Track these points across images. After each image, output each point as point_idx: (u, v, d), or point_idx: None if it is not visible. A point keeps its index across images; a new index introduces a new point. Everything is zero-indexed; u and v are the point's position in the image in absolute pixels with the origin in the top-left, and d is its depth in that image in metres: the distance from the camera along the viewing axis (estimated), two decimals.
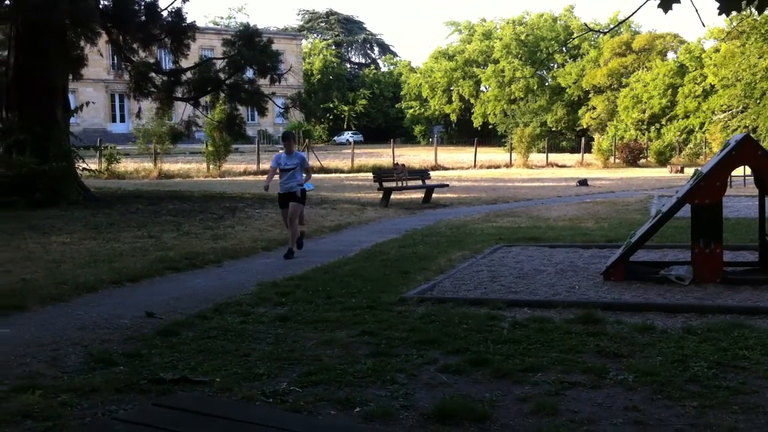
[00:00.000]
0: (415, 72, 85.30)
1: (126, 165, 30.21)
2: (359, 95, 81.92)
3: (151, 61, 21.44)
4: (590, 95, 67.45)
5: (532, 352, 5.89)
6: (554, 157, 46.19)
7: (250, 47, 21.49)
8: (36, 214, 15.52)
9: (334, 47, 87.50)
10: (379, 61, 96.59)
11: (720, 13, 7.18)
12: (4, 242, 12.06)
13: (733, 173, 11.61)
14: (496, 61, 75.66)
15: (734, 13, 7.21)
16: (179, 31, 21.11)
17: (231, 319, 7.23)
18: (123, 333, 6.81)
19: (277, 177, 11.85)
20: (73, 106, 21.37)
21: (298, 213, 11.39)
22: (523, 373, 5.40)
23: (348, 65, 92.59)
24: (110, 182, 26.00)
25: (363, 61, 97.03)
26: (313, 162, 35.08)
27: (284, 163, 11.35)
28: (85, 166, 20.13)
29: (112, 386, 5.24)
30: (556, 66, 75.92)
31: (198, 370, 5.63)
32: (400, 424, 4.52)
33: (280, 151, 12.08)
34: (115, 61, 28.34)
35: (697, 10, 7.45)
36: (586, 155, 45.21)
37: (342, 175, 32.79)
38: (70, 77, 20.12)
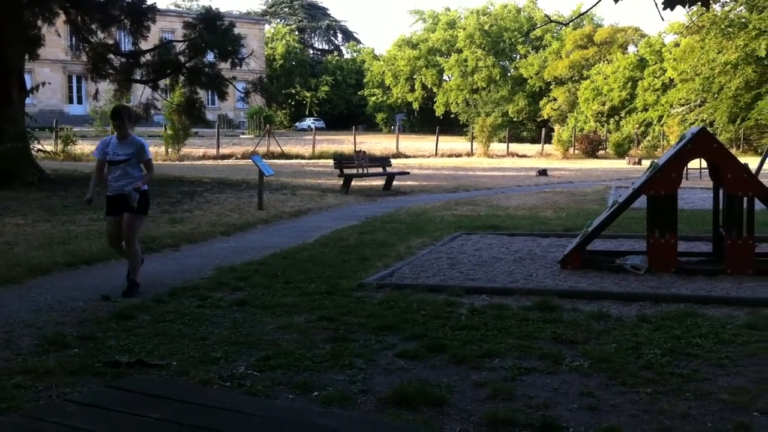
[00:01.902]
0: (379, 60, 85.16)
1: (83, 147, 29.71)
2: (322, 81, 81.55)
3: (110, 42, 21.09)
4: (552, 86, 68.03)
5: (490, 339, 5.93)
6: (515, 147, 46.51)
7: (212, 31, 21.27)
8: None
9: (297, 33, 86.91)
10: (342, 47, 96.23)
11: (665, 8, 7.28)
12: None
13: (689, 165, 11.79)
14: (460, 51, 75.87)
15: (694, 8, 7.32)
16: (139, 12, 20.80)
17: (188, 303, 7.17)
18: (78, 316, 6.71)
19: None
20: (29, 87, 20.96)
21: (137, 231, 8.03)
22: (480, 359, 5.43)
23: (311, 51, 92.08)
24: (66, 164, 25.55)
25: (326, 47, 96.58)
26: (273, 147, 34.93)
27: (113, 153, 7.85)
28: (40, 147, 19.81)
29: (67, 369, 5.17)
30: (518, 57, 76.37)
31: (154, 353, 5.58)
32: (358, 408, 4.53)
33: (110, 135, 8.58)
34: (74, 42, 27.79)
35: (656, 4, 7.55)
36: (547, 146, 45.59)
37: (303, 161, 32.66)
38: (27, 57, 19.71)
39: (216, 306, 7.09)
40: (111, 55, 20.78)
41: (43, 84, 21.39)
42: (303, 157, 34.11)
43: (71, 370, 5.15)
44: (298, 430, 2.50)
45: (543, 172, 27.28)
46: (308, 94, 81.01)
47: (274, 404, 3.02)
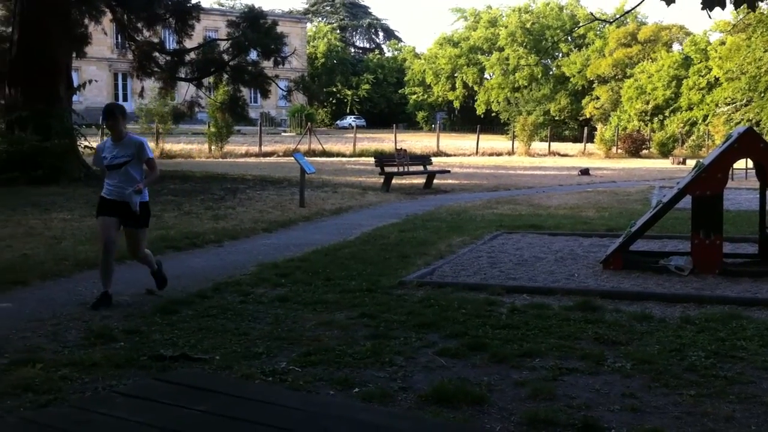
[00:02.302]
0: (420, 58, 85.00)
1: None
2: (363, 80, 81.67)
3: (155, 40, 21.39)
4: (594, 85, 67.30)
5: (530, 338, 5.92)
6: (556, 146, 46.09)
7: (255, 29, 21.45)
8: (37, 190, 15.53)
9: (338, 31, 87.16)
10: (383, 46, 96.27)
11: (703, 8, 7.15)
12: (5, 218, 12.07)
13: (735, 166, 11.58)
14: (501, 49, 75.42)
15: (742, 6, 7.18)
16: (184, 11, 21.06)
17: (230, 299, 7.26)
18: (123, 309, 6.84)
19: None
20: (76, 84, 21.33)
21: (143, 242, 7.42)
22: (520, 358, 5.42)
23: (352, 50, 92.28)
24: None
25: (367, 45, 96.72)
26: (314, 145, 35.09)
27: (111, 157, 7.09)
28: (87, 143, 20.13)
29: (112, 361, 5.27)
30: (560, 55, 75.66)
31: (197, 347, 5.67)
32: (398, 406, 4.55)
33: (105, 139, 7.74)
34: (119, 40, 28.21)
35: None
36: (589, 145, 45.13)
37: (344, 159, 32.76)
38: (74, 55, 20.07)
39: (258, 302, 7.16)
40: (156, 54, 21.09)
41: (90, 81, 21.69)
42: (344, 155, 34.22)
43: (117, 363, 5.25)
44: (340, 425, 2.52)
45: (585, 172, 27.01)
46: (349, 93, 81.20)
47: (316, 399, 3.05)
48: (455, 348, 5.65)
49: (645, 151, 43.80)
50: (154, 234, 10.79)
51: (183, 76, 21.93)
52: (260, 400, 2.72)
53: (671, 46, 65.97)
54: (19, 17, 18.04)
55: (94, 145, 24.38)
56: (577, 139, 57.13)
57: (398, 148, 22.86)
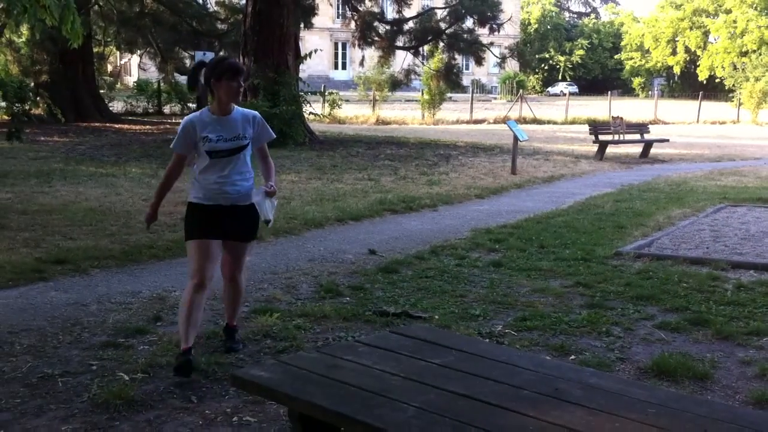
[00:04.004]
0: (638, 22, 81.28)
1: (346, 111, 31.38)
2: (576, 45, 79.40)
3: (376, 10, 22.04)
4: None
5: (758, 316, 5.68)
6: None
7: None
8: None
9: None
10: (600, 10, 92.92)
11: None
12: None
13: None
14: (729, 11, 70.41)
15: None
16: None
17: (447, 262, 7.49)
18: (348, 267, 7.26)
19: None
20: (302, 54, 22.46)
21: (246, 259, 5.01)
22: (747, 336, 5.23)
23: (567, 14, 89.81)
24: (332, 126, 27.18)
25: (583, 10, 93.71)
26: (525, 112, 34.72)
27: (216, 137, 4.60)
28: (311, 110, 21.17)
29: (340, 315, 5.66)
30: None
31: (417, 306, 5.94)
32: (618, 375, 4.56)
33: (195, 113, 4.83)
34: (341, 11, 29.24)
35: None
36: None
37: (555, 126, 32.19)
38: (302, 25, 21.10)
39: (473, 266, 7.34)
40: (377, 23, 21.72)
41: (316, 51, 22.73)
42: (555, 123, 33.60)
43: (344, 317, 5.63)
44: (572, 387, 2.63)
45: None
46: (562, 59, 79.27)
47: (546, 362, 3.17)
48: (676, 322, 5.54)
49: None
50: (372, 197, 11.30)
51: (401, 44, 22.46)
52: (491, 358, 2.88)
53: None
54: None
55: (317, 111, 25.72)
56: None
57: (614, 115, 22.14)
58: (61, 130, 22.07)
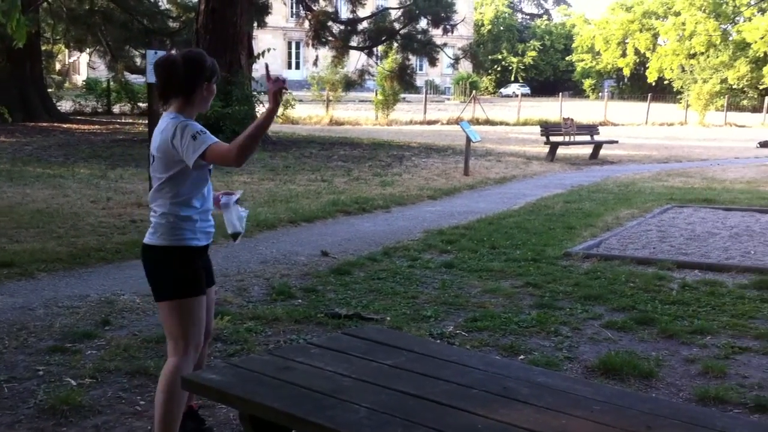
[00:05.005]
0: (589, 24, 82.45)
1: (300, 111, 31.29)
2: (529, 47, 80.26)
3: (330, 10, 22.02)
4: None
5: (702, 315, 5.82)
6: (733, 116, 43.52)
7: None
8: None
9: None
10: (552, 11, 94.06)
11: None
12: None
13: None
14: (678, 14, 71.80)
15: None
16: None
17: (399, 263, 7.53)
18: (300, 269, 7.26)
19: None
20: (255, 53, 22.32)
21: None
22: (691, 334, 5.36)
23: (519, 16, 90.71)
24: (285, 127, 27.06)
25: (535, 11, 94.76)
26: (478, 113, 35.00)
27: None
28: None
29: (292, 317, 5.66)
30: (742, 20, 71.12)
31: (369, 308, 5.96)
32: (565, 374, 4.64)
33: (179, 117, 3.39)
34: (295, 10, 29.15)
35: None
36: None
37: (507, 127, 32.49)
38: (255, 24, 20.96)
39: (425, 267, 7.40)
40: (331, 23, 21.70)
41: (269, 50, 22.58)
42: (507, 124, 33.92)
43: (296, 319, 5.63)
44: (520, 385, 2.67)
45: (765, 144, 25.48)
46: (515, 60, 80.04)
47: (495, 361, 3.21)
48: (622, 321, 5.65)
49: None
50: (325, 198, 11.30)
51: (355, 44, 22.48)
52: (442, 358, 2.91)
53: None
54: None
55: None
56: (756, 110, 53.65)
57: (565, 117, 22.44)
58: (8, 130, 21.62)
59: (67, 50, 40.64)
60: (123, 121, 27.34)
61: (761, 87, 63.81)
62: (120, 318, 5.56)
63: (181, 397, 3.37)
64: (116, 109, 31.81)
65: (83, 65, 44.57)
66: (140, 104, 29.31)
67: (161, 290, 3.41)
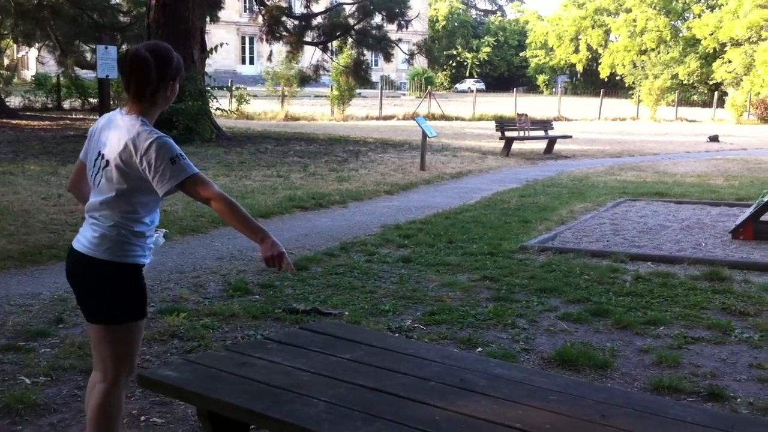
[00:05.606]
0: (543, 20, 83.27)
1: (254, 106, 31.06)
2: (483, 43, 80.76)
3: (284, 5, 21.91)
4: (726, 48, 64.14)
5: (655, 306, 5.92)
6: (684, 111, 44.31)
7: None
8: None
9: None
10: (505, 8, 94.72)
11: None
12: None
13: None
14: (629, 10, 72.88)
15: None
16: None
17: (356, 258, 7.53)
18: (257, 265, 7.20)
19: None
20: (208, 48, 22.11)
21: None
22: (644, 325, 5.45)
23: (473, 12, 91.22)
24: (240, 122, 26.85)
25: (489, 7, 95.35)
26: (434, 109, 35.10)
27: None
28: (218, 105, 20.84)
29: (250, 313, 5.62)
30: (692, 16, 72.44)
31: (327, 303, 5.95)
32: (522, 365, 4.69)
33: (145, 125, 3.08)
34: (248, 4, 28.95)
35: None
36: (719, 111, 43.22)
37: (463, 123, 32.65)
38: (207, 19, 20.76)
39: (383, 261, 7.40)
40: (285, 18, 21.59)
41: (222, 45, 22.47)
42: (463, 119, 34.09)
43: (254, 315, 5.60)
44: (477, 377, 2.69)
45: (714, 138, 25.99)
46: (469, 56, 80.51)
47: (453, 353, 3.23)
48: (578, 313, 5.72)
49: None
50: (282, 194, 11.24)
51: (310, 40, 22.40)
52: (400, 351, 2.92)
53: None
54: None
55: (224, 107, 25.43)
56: (706, 105, 54.80)
57: (520, 113, 22.64)
58: None
59: (15, 45, 39.78)
60: (74, 116, 26.85)
61: (711, 82, 65.05)
62: (74, 316, 5.47)
63: (119, 415, 3.03)
64: (66, 104, 31.23)
65: (32, 60, 43.71)
66: (91, 100, 28.85)
67: (106, 312, 2.95)
